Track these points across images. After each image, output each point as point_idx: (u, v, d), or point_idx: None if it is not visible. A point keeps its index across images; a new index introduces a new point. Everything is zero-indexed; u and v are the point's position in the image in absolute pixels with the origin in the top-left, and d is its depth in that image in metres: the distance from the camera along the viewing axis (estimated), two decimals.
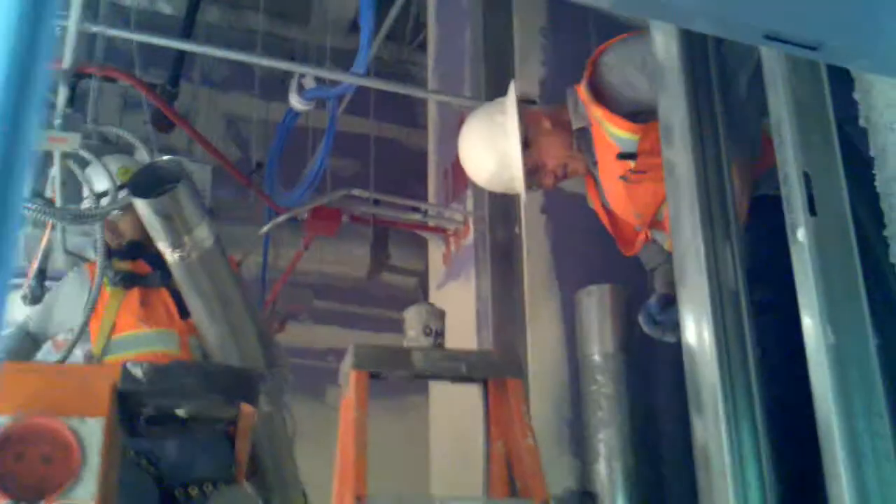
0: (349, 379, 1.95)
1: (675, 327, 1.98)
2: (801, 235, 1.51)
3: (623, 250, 2.66)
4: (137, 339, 2.76)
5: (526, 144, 2.40)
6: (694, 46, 1.94)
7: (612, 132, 2.30)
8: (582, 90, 2.34)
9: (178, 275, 2.50)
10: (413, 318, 2.10)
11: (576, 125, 2.42)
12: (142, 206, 2.25)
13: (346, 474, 1.76)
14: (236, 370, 2.12)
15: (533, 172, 2.45)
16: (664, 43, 1.96)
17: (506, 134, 2.40)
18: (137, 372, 1.76)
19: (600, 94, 2.30)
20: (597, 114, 2.30)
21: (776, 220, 1.60)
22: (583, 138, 2.44)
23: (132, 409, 1.81)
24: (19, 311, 3.94)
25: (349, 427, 1.87)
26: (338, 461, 1.91)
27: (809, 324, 1.47)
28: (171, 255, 2.40)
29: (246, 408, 1.93)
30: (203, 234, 2.39)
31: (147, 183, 2.29)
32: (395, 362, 2.01)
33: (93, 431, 1.65)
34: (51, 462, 1.62)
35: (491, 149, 2.45)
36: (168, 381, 1.78)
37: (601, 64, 2.32)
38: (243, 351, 2.64)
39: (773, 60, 1.61)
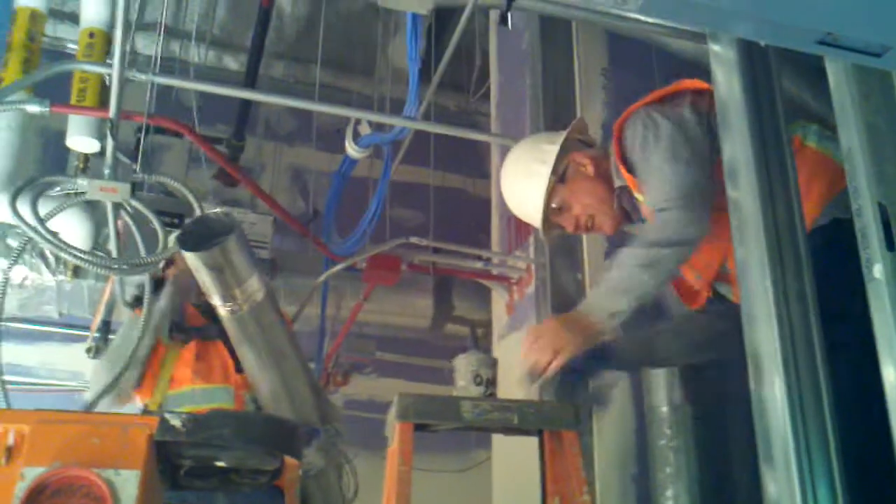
0: (394, 430, 1.87)
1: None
2: (877, 272, 1.38)
3: (686, 304, 2.51)
4: (193, 395, 2.75)
5: (562, 180, 2.31)
6: (758, 79, 1.83)
7: (642, 199, 2.20)
8: (614, 153, 2.26)
9: (229, 328, 2.46)
10: (462, 366, 2.00)
11: (616, 184, 2.31)
12: (192, 258, 2.21)
13: None
14: (276, 420, 2.04)
15: (556, 211, 2.33)
16: (726, 77, 1.85)
17: (543, 161, 2.30)
18: (176, 422, 1.71)
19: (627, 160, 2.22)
20: (627, 179, 2.21)
21: (847, 248, 1.47)
22: (625, 196, 2.31)
23: (172, 461, 1.76)
24: (83, 363, 3.97)
25: (392, 482, 1.78)
26: None
27: (888, 370, 1.33)
28: (222, 309, 2.36)
29: (289, 460, 1.86)
30: (254, 286, 2.34)
31: (199, 235, 2.25)
32: (442, 413, 1.91)
33: (127, 483, 1.60)
34: None
35: (525, 171, 2.35)
36: (206, 432, 1.72)
37: (623, 138, 2.24)
38: (296, 405, 2.58)
39: (841, 81, 1.49)
